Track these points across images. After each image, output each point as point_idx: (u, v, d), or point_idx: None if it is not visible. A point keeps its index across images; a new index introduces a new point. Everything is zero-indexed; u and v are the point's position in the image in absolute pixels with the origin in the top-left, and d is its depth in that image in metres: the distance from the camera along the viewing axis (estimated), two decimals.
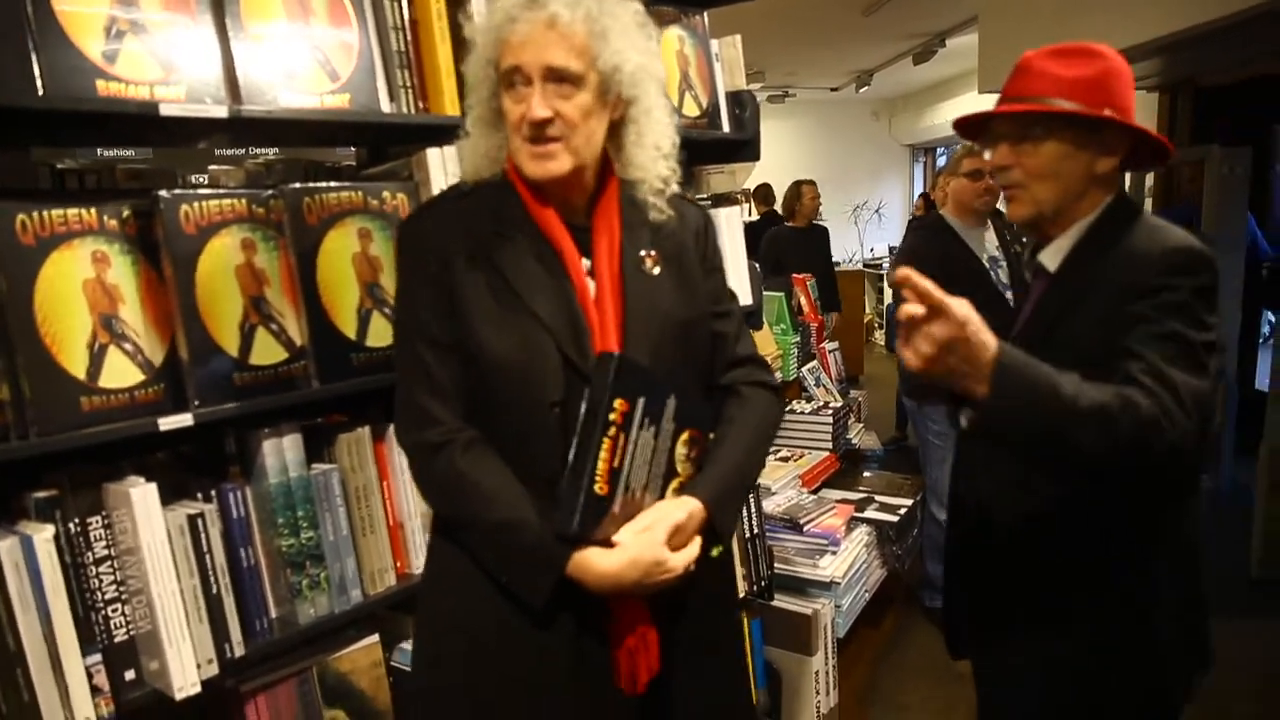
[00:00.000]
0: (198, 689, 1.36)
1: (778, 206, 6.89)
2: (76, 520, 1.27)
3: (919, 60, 8.60)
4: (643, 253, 1.33)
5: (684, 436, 1.28)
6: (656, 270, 1.33)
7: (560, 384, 1.23)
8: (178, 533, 1.36)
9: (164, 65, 1.34)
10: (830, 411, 3.54)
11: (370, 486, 1.61)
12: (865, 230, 12.01)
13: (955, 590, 1.62)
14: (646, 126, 1.30)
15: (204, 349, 1.40)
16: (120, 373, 1.33)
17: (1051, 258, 1.41)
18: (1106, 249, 1.34)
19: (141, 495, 1.28)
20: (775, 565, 2.50)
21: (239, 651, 1.43)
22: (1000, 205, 3.16)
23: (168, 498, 1.35)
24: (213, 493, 1.42)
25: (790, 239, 5.93)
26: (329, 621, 1.56)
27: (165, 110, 1.30)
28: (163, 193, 1.39)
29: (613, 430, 1.17)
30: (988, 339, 1.10)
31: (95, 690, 1.27)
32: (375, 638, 1.68)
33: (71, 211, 1.31)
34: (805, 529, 2.74)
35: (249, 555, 1.46)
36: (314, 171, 1.92)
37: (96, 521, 1.29)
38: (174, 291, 1.38)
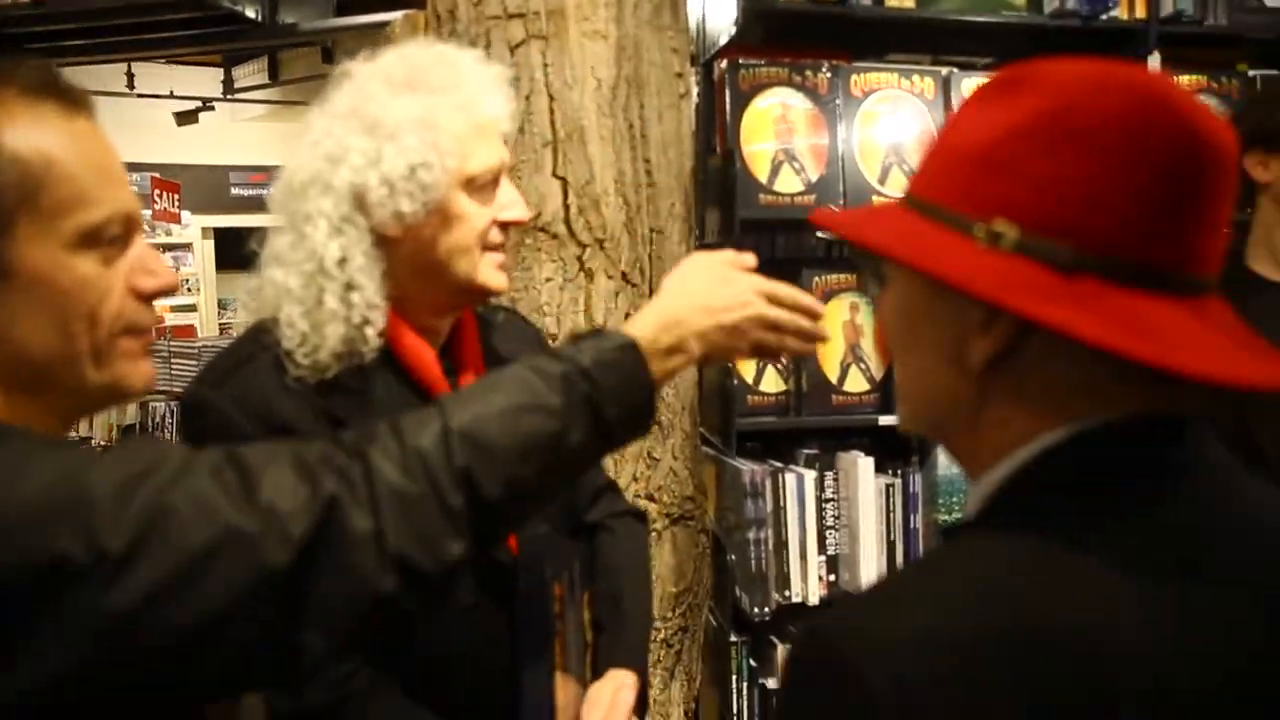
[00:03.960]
0: None
1: None
2: (822, 470, 2.03)
3: None
4: None
5: (586, 598, 1.12)
6: None
7: (470, 581, 1.01)
8: (877, 493, 2.04)
9: None
10: None
11: None
12: None
13: None
14: None
15: None
16: (857, 381, 2.06)
17: None
18: None
19: (864, 465, 2.00)
20: None
21: None
22: None
23: (876, 468, 2.04)
24: (899, 472, 2.08)
25: None
26: None
27: None
28: None
29: (558, 625, 1.00)
30: None
31: (819, 579, 2.02)
32: None
33: (840, 275, 2.08)
34: None
35: (914, 520, 2.09)
36: None
37: (830, 475, 2.04)
38: None
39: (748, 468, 1.94)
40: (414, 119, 0.98)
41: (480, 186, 1.02)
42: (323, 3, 2.64)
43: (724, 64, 2.01)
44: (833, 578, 2.04)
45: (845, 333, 2.07)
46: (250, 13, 2.42)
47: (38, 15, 2.61)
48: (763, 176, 1.97)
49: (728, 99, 1.99)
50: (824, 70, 2.03)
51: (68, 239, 0.67)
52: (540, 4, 1.81)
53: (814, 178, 1.99)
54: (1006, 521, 0.55)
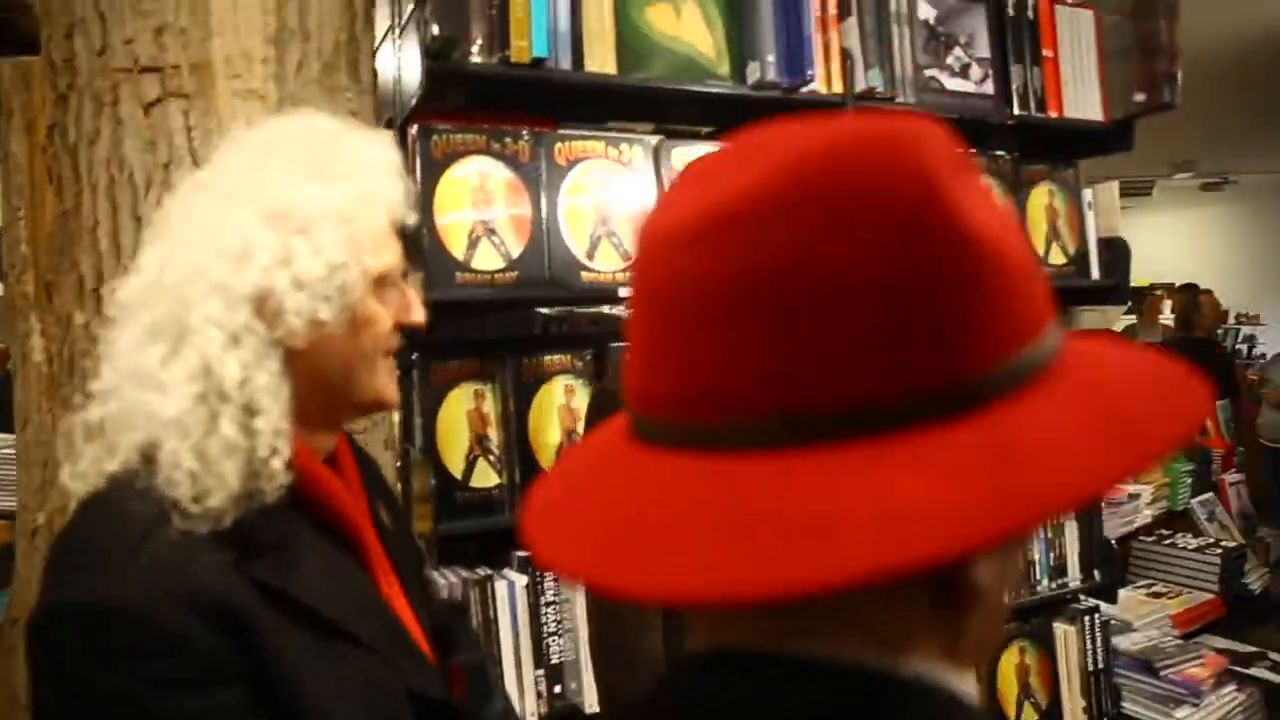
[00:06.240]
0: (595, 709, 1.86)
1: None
2: (538, 574, 1.84)
3: None
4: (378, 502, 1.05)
5: None
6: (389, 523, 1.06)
7: None
8: None
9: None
10: (1219, 551, 3.33)
11: None
12: None
13: None
14: None
15: None
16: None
17: None
18: None
19: None
20: (1124, 705, 2.53)
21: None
22: None
23: None
24: None
25: (1181, 351, 5.58)
26: None
27: (622, 292, 1.87)
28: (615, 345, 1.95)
29: None
30: None
31: (538, 695, 1.82)
32: None
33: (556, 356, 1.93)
34: (1161, 674, 2.68)
35: None
36: None
37: (549, 576, 1.85)
38: None
39: (445, 581, 1.73)
40: (329, 212, 0.86)
41: (386, 286, 0.93)
42: None
43: (415, 129, 1.83)
44: (557, 689, 1.85)
45: (561, 417, 1.91)
46: None
47: None
48: (459, 252, 1.79)
49: (418, 167, 1.80)
50: (524, 137, 1.89)
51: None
52: (180, 57, 1.55)
53: (515, 252, 1.83)
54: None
